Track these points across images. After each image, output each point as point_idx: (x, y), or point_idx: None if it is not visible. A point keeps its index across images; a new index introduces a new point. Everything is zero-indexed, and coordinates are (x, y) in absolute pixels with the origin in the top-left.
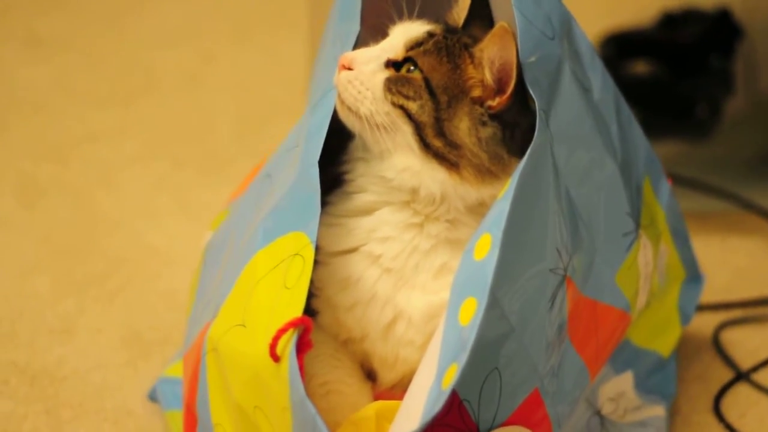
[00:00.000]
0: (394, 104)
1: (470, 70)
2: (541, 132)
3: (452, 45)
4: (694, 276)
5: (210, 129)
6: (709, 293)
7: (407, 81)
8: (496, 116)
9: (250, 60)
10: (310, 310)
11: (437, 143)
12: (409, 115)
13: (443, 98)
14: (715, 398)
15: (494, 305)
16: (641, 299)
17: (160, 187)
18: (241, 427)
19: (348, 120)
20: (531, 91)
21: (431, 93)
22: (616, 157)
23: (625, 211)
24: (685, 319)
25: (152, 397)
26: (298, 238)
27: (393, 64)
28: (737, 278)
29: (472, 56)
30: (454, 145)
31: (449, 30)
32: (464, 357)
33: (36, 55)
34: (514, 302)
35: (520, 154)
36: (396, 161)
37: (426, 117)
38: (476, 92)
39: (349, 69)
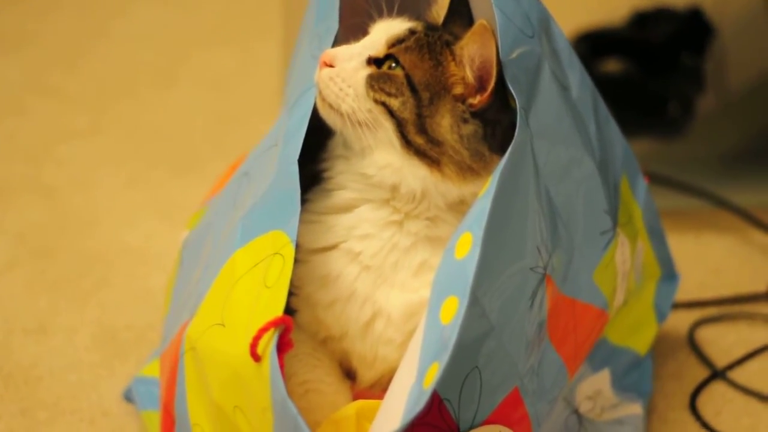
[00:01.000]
0: (376, 101)
1: (452, 68)
2: (521, 130)
3: (434, 42)
4: (669, 274)
5: (184, 129)
6: (683, 291)
7: (389, 78)
8: (477, 114)
9: (224, 60)
10: (288, 309)
11: (419, 140)
12: (390, 111)
13: (425, 95)
14: (691, 396)
15: (475, 304)
16: (619, 297)
17: (134, 186)
18: (220, 427)
19: (329, 117)
20: (511, 89)
21: (413, 90)
22: (595, 155)
23: (603, 209)
24: (660, 317)
25: (128, 397)
26: (278, 237)
27: (375, 61)
28: (712, 276)
29: (453, 54)
30: (435, 142)
31: (430, 27)
32: (446, 356)
33: (8, 54)
34: (495, 301)
35: (501, 151)
36: (377, 158)
37: (408, 114)
38: (458, 90)
39: (331, 66)
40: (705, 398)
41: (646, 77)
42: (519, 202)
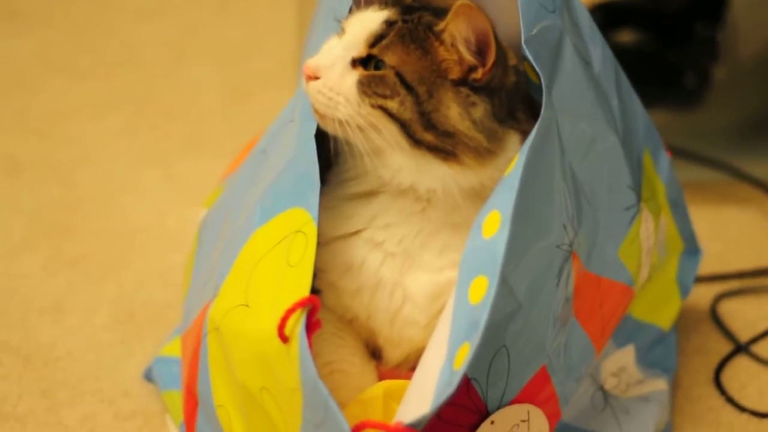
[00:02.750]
0: (372, 106)
1: (442, 53)
2: (547, 107)
3: (414, 29)
4: (692, 248)
5: (194, 102)
6: (704, 265)
7: (380, 79)
8: (481, 88)
9: (234, 31)
10: (312, 289)
11: (428, 137)
12: (390, 114)
13: (421, 89)
14: (715, 371)
15: (503, 283)
16: (643, 273)
17: (147, 163)
18: (246, 408)
19: (329, 127)
20: (534, 65)
21: (408, 87)
22: (618, 130)
23: (627, 184)
24: (684, 291)
25: (148, 377)
26: (299, 215)
27: (360, 62)
28: (732, 249)
29: (439, 38)
30: (447, 135)
31: (405, 10)
32: (476, 336)
33: (15, 28)
34: (522, 279)
35: (511, 119)
36: (390, 161)
37: (409, 113)
38: (454, 74)
39: (316, 78)
40: (729, 373)
41: (662, 48)
42: (545, 179)
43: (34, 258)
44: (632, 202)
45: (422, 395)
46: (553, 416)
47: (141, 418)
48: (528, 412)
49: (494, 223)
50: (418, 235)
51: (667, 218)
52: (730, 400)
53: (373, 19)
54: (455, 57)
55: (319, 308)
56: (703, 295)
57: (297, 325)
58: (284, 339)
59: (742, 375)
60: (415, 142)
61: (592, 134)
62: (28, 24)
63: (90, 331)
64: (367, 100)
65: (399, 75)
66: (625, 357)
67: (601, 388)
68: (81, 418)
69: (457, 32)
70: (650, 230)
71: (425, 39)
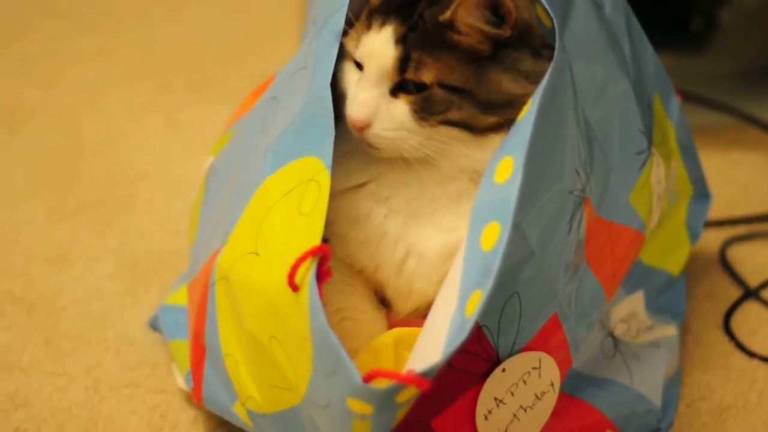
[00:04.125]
0: (434, 125)
1: (465, 41)
2: (560, 51)
3: (428, 34)
4: (701, 193)
5: (198, 49)
6: (713, 210)
7: (428, 99)
8: (514, 41)
9: None
10: (323, 239)
11: (491, 119)
12: (452, 123)
13: (470, 84)
14: (724, 316)
15: (516, 228)
16: (654, 218)
17: (148, 109)
18: (255, 357)
19: (392, 155)
20: (547, 8)
21: (457, 91)
22: (629, 74)
23: (639, 129)
24: (693, 236)
25: (153, 326)
26: (312, 163)
27: (398, 88)
28: (741, 194)
29: (454, 29)
30: (508, 105)
31: (404, 14)
32: (489, 283)
33: None
34: (534, 225)
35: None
36: (453, 154)
37: (469, 110)
38: (487, 50)
39: (368, 126)
40: (739, 318)
41: None
42: (559, 124)
43: (38, 206)
44: (643, 146)
45: (433, 343)
46: (564, 363)
47: (147, 367)
48: (539, 359)
49: (507, 169)
50: (430, 201)
51: (677, 163)
52: (740, 346)
53: (385, 43)
54: (479, 37)
55: (330, 257)
56: (712, 240)
57: (307, 273)
58: (294, 288)
59: (751, 320)
60: (480, 131)
61: (605, 78)
62: None
63: (94, 280)
64: (427, 123)
65: (443, 86)
66: (634, 303)
67: (611, 335)
68: (86, 367)
69: (468, 17)
70: (661, 175)
71: (443, 38)
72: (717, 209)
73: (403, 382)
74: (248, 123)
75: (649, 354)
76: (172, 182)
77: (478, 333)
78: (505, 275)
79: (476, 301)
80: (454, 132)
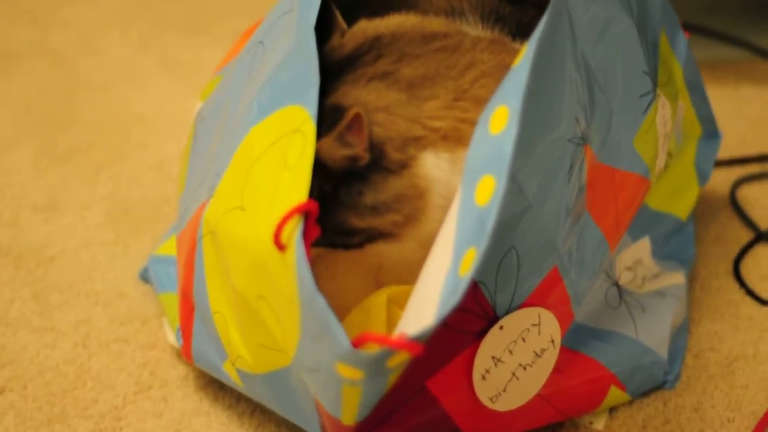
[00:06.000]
0: None
1: None
2: None
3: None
4: (711, 132)
5: None
6: (723, 149)
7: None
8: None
9: None
10: None
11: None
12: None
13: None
14: (734, 261)
15: (512, 180)
16: (660, 162)
17: (143, 48)
18: (243, 316)
19: None
20: None
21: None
22: (632, 12)
23: (642, 69)
24: (702, 178)
25: (144, 277)
26: (297, 112)
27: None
28: (752, 131)
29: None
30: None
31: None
32: (484, 240)
33: None
34: (531, 176)
35: None
36: None
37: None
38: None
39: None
40: (749, 263)
41: None
42: (556, 70)
43: (27, 152)
44: (648, 88)
45: (426, 304)
46: (564, 318)
47: (137, 321)
48: (539, 315)
49: (501, 118)
50: None
51: (684, 102)
52: (750, 293)
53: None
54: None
55: (317, 213)
56: (722, 180)
57: (294, 232)
58: (281, 247)
59: (763, 265)
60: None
61: (606, 18)
62: None
63: (84, 229)
64: None
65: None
66: (640, 250)
67: (616, 284)
68: (75, 322)
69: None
70: (667, 116)
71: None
72: (728, 148)
73: (394, 347)
74: (235, 68)
75: (655, 304)
76: (167, 124)
77: (474, 290)
78: (501, 230)
79: (471, 260)
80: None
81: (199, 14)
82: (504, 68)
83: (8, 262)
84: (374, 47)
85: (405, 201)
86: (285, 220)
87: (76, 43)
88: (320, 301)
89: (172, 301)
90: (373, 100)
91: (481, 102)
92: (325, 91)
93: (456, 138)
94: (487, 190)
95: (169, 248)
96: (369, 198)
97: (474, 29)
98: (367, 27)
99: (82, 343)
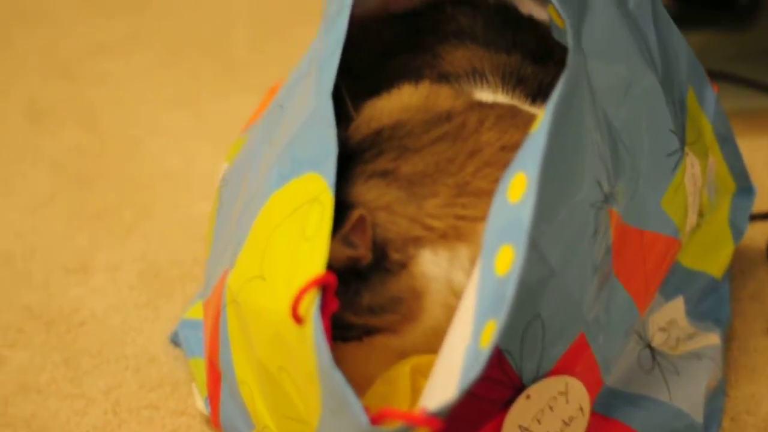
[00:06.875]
0: None
1: None
2: (574, 53)
3: None
4: (744, 187)
5: (226, 35)
6: (759, 201)
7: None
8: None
9: None
10: None
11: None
12: None
13: None
14: None
15: (533, 249)
16: (690, 220)
17: (175, 103)
18: (267, 387)
19: None
20: (559, 9)
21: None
22: (657, 69)
23: (669, 128)
24: (737, 234)
25: (174, 341)
26: (315, 181)
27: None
28: None
29: None
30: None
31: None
32: (503, 312)
33: None
34: (554, 243)
35: None
36: None
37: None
38: None
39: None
40: None
41: None
42: (575, 134)
43: (57, 211)
44: (675, 147)
45: (448, 376)
46: (593, 385)
47: (167, 386)
48: (566, 383)
49: (520, 187)
50: None
51: (715, 157)
52: None
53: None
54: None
55: (336, 284)
56: (757, 235)
57: (311, 305)
58: (298, 320)
59: None
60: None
61: (629, 76)
62: None
63: (115, 291)
64: None
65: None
66: (674, 310)
67: (649, 346)
68: (105, 388)
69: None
70: (697, 174)
71: None
72: (763, 200)
73: (415, 423)
74: (258, 130)
75: (689, 366)
76: (196, 183)
77: (499, 358)
78: (524, 298)
79: (491, 332)
80: None
81: (230, 65)
82: (510, 150)
83: (39, 326)
84: (375, 143)
85: (402, 303)
86: (302, 292)
87: (109, 97)
88: (338, 376)
89: (201, 366)
90: (374, 198)
91: (483, 194)
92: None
93: (455, 236)
94: (506, 260)
95: (197, 312)
96: (366, 299)
97: (492, 93)
98: (372, 116)
99: (113, 410)
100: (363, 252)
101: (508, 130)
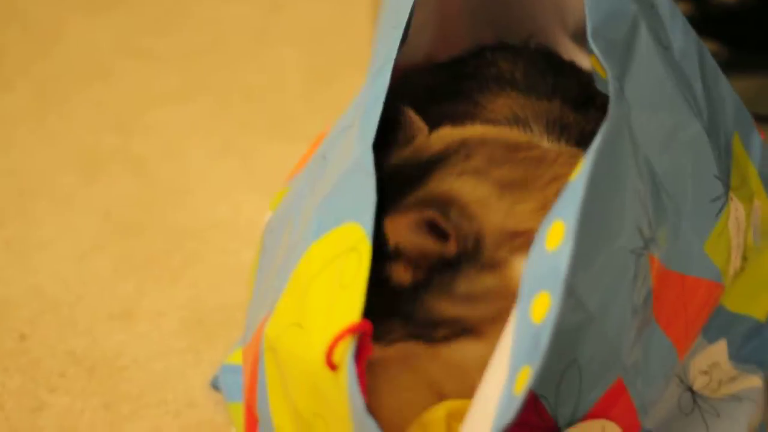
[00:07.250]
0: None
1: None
2: (616, 103)
3: None
4: None
5: (277, 85)
6: None
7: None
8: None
9: (319, 11)
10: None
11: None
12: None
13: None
14: None
15: (570, 295)
16: (734, 264)
17: (225, 153)
18: None
19: None
20: (602, 60)
21: None
22: (702, 116)
23: (713, 174)
24: None
25: (215, 386)
26: (353, 231)
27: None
28: None
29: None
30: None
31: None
32: (537, 359)
33: (96, 15)
34: (593, 290)
35: None
36: None
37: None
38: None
39: None
40: None
41: (765, 7)
42: (615, 182)
43: (105, 260)
44: (720, 192)
45: (482, 421)
46: (630, 429)
47: (207, 430)
48: (603, 427)
49: (558, 234)
50: None
51: (761, 201)
52: None
53: None
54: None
55: (372, 332)
56: None
57: (346, 352)
58: (332, 367)
59: None
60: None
61: (673, 124)
62: (104, 7)
63: (158, 337)
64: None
65: None
66: (717, 352)
67: (690, 389)
68: None
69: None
70: (741, 218)
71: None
72: None
73: None
74: (302, 180)
75: (730, 409)
76: (244, 230)
77: (534, 403)
78: (561, 344)
79: (525, 379)
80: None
81: (282, 116)
82: None
83: (81, 371)
84: (462, 148)
85: (496, 298)
86: (337, 340)
87: (159, 147)
88: (371, 424)
89: (239, 412)
90: (468, 191)
91: None
92: (412, 187)
93: None
94: (542, 307)
95: (238, 357)
96: (462, 286)
97: (539, 141)
98: (453, 132)
99: None
100: (452, 243)
101: None
